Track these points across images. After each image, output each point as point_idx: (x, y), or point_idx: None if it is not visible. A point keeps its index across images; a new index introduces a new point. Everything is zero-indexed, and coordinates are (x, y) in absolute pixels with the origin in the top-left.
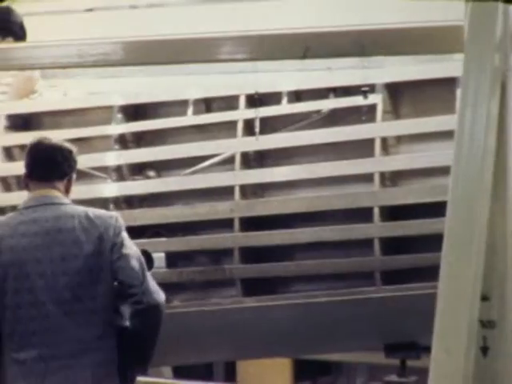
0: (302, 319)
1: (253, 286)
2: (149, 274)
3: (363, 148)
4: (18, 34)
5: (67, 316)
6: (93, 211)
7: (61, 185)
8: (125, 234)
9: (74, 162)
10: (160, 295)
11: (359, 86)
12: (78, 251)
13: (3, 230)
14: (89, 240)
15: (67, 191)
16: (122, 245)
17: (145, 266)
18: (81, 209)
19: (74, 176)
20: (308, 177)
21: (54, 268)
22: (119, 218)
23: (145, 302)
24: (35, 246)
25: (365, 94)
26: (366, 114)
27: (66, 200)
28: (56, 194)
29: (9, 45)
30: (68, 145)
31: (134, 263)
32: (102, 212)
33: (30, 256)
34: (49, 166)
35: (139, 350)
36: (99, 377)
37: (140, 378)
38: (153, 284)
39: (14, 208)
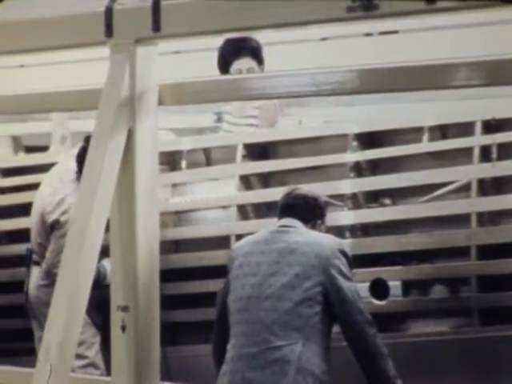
0: None
1: (490, 316)
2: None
3: None
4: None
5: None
6: (321, 238)
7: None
8: (341, 262)
9: (320, 208)
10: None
11: None
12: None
13: (242, 243)
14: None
15: None
16: (340, 279)
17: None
18: (314, 235)
19: (320, 222)
20: None
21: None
22: (343, 248)
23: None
24: (265, 262)
25: None
26: None
27: (303, 228)
28: (295, 223)
29: (245, 75)
30: (314, 194)
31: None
32: (330, 242)
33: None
34: (290, 212)
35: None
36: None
37: None
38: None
39: None
